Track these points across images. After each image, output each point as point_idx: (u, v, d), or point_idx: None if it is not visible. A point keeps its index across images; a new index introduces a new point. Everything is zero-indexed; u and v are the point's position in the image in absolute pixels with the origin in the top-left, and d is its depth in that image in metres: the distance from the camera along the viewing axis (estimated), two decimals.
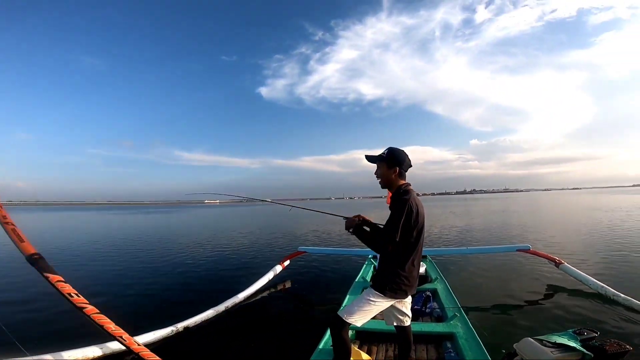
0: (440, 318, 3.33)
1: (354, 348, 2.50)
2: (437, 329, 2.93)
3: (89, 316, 1.73)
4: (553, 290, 4.77)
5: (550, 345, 2.38)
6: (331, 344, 2.13)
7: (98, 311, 1.76)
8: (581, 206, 27.20)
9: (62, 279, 1.74)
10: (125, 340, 1.79)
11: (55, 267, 1.76)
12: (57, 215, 38.90)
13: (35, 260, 1.72)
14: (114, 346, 2.91)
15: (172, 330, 3.41)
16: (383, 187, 2.08)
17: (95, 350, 2.86)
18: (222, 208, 59.24)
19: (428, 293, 3.78)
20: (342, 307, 2.08)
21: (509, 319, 3.77)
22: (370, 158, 2.09)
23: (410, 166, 2.05)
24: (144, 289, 5.57)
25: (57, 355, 2.68)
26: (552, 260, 5.05)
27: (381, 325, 2.62)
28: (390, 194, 2.08)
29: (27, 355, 2.34)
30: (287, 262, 5.87)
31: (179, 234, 15.15)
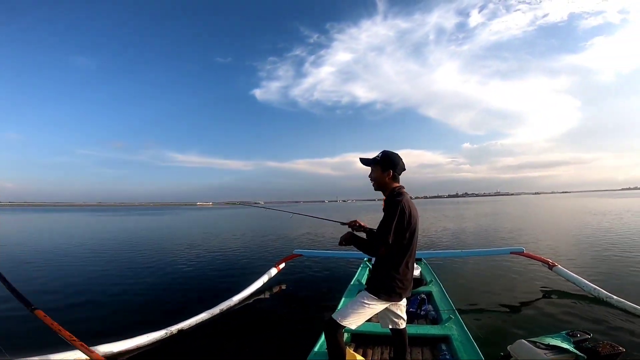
0: (436, 320, 3.33)
1: (349, 351, 2.49)
2: (432, 331, 2.93)
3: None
4: (546, 292, 4.82)
5: (544, 347, 2.40)
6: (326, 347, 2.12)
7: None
8: (572, 209, 27.56)
9: None
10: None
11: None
12: (45, 217, 38.16)
13: None
14: (102, 350, 2.87)
15: (166, 333, 3.37)
16: (377, 189, 2.09)
17: (80, 354, 2.79)
18: (216, 210, 58.83)
19: (423, 295, 3.79)
20: (337, 310, 2.07)
21: (503, 321, 3.80)
22: (364, 161, 2.11)
23: (404, 169, 2.06)
24: (136, 292, 5.50)
25: (44, 357, 2.63)
26: (546, 262, 5.08)
27: (376, 328, 2.62)
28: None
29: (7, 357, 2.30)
30: (282, 265, 5.84)
31: (172, 237, 15.00)
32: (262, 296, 5.02)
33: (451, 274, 5.91)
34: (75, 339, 2.01)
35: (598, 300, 4.15)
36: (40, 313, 2.23)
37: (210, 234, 15.98)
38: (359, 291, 2.08)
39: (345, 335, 2.80)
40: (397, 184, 2.03)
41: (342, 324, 1.90)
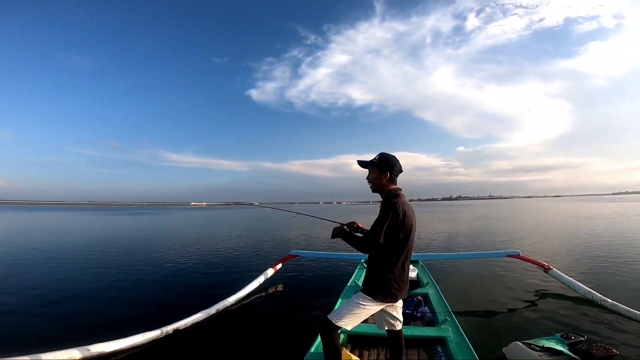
0: (432, 322, 3.34)
1: (346, 351, 2.49)
2: (428, 333, 2.94)
3: None
4: (541, 295, 4.85)
5: (539, 349, 2.42)
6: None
7: None
8: (565, 213, 27.74)
9: None
10: None
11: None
12: (36, 215, 37.72)
13: None
14: (96, 349, 2.86)
15: (162, 332, 3.35)
16: (374, 191, 2.10)
17: (74, 353, 2.77)
18: (211, 211, 58.52)
19: (419, 297, 3.80)
20: (332, 311, 2.08)
21: (499, 323, 3.81)
22: (362, 163, 2.13)
23: (401, 171, 2.07)
24: (130, 291, 5.46)
25: (35, 356, 2.60)
26: (541, 265, 5.10)
27: (373, 329, 2.63)
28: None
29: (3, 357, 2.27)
30: (279, 265, 5.83)
31: (166, 237, 14.89)
32: (258, 296, 5.00)
33: (448, 276, 5.93)
34: None
35: (592, 303, 4.19)
36: None
37: (205, 234, 15.91)
38: (356, 292, 2.09)
39: (342, 336, 2.80)
40: (395, 186, 2.04)
41: (337, 324, 1.91)
